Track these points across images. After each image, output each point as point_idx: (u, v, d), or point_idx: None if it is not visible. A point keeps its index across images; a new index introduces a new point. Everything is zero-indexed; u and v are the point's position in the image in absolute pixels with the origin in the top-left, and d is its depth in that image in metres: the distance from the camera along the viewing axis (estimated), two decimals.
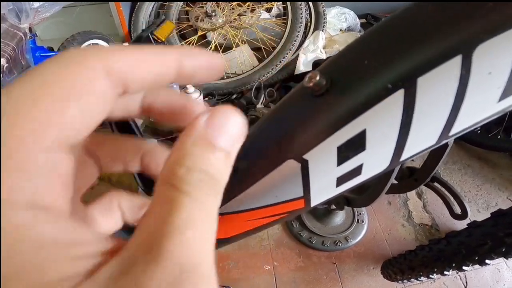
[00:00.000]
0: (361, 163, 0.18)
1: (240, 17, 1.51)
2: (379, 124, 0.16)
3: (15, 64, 0.99)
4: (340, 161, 0.18)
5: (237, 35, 1.44)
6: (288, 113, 0.19)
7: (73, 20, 1.59)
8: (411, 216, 1.00)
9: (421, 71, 0.14)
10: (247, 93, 1.34)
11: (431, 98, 0.15)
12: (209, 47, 1.45)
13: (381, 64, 0.15)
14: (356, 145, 0.17)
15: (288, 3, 1.39)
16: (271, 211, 0.23)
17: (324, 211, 0.94)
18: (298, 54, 1.32)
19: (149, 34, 0.38)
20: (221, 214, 0.26)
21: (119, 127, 0.37)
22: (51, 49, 1.24)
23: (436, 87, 0.15)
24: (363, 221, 0.95)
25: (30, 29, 1.09)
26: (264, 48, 1.38)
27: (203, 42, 1.55)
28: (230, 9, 1.49)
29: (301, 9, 1.36)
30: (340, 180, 0.20)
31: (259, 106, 1.24)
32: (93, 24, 1.56)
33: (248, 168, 0.23)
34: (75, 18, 1.60)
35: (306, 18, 1.40)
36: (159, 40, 0.39)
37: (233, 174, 0.25)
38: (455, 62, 0.14)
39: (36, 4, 1.02)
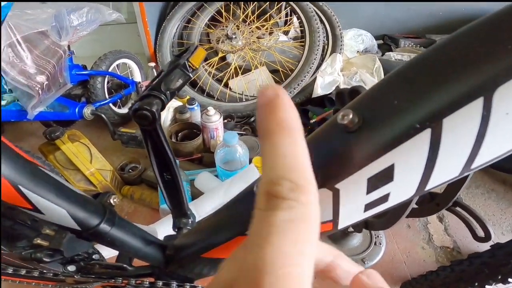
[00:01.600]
0: (389, 192, 0.20)
1: (259, 39, 1.57)
2: (407, 159, 0.18)
3: (53, 82, 1.02)
4: (369, 190, 0.20)
5: (255, 57, 1.49)
6: (322, 147, 0.21)
7: (104, 38, 1.67)
8: (431, 239, 0.97)
9: (446, 113, 0.16)
10: None
11: (455, 137, 0.16)
12: (229, 69, 1.50)
13: (409, 105, 0.17)
14: (385, 177, 0.19)
15: (306, 26, 1.43)
16: None
17: (341, 233, 0.93)
18: (316, 77, 1.34)
19: (186, 61, 0.41)
20: None
21: (154, 148, 0.40)
22: (84, 67, 1.29)
23: (460, 127, 0.16)
24: (380, 243, 0.94)
25: (68, 47, 1.13)
26: (282, 70, 1.42)
27: (223, 63, 1.62)
28: (249, 32, 1.55)
29: (318, 32, 1.40)
30: (368, 206, 0.22)
31: None
32: (122, 43, 1.62)
33: None
34: (107, 36, 1.68)
35: (323, 40, 1.44)
36: (194, 67, 0.42)
37: None
38: (477, 104, 0.16)
39: (76, 22, 1.06)
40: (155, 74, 1.68)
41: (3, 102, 1.05)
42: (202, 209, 0.85)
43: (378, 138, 0.17)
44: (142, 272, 0.47)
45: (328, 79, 1.32)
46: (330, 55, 1.42)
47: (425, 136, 0.17)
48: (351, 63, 1.45)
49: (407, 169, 0.18)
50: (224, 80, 1.52)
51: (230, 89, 1.52)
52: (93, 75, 1.25)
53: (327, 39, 1.50)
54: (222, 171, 0.98)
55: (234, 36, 1.54)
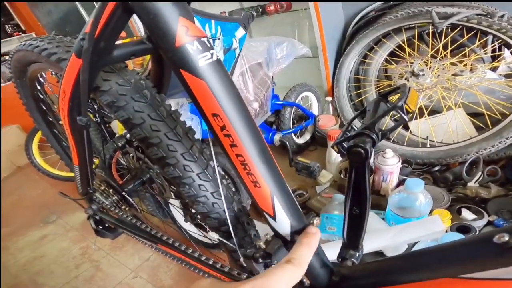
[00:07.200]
0: None
1: (455, 77, 1.36)
2: None
3: (261, 109, 1.21)
4: None
5: (449, 97, 1.29)
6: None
7: (290, 71, 1.75)
8: None
9: None
10: (455, 167, 1.14)
11: None
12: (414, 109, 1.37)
13: None
14: None
15: None
16: None
17: None
18: None
19: (403, 103, 0.42)
20: (486, 279, 0.25)
21: (355, 182, 0.42)
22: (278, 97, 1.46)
23: None
24: None
25: (271, 78, 1.27)
26: (488, 114, 1.16)
27: None
28: (442, 68, 1.37)
29: None
30: None
31: (471, 184, 1.02)
32: (304, 76, 1.74)
33: None
34: (292, 69, 1.78)
35: None
36: (410, 110, 0.43)
37: None
38: None
39: (279, 55, 1.16)
40: (331, 109, 1.74)
41: None
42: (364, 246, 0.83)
43: None
44: None
45: None
46: None
47: None
48: None
49: None
50: None
51: (411, 132, 1.39)
52: (285, 105, 1.40)
53: None
54: (393, 216, 0.91)
55: (421, 73, 1.40)
